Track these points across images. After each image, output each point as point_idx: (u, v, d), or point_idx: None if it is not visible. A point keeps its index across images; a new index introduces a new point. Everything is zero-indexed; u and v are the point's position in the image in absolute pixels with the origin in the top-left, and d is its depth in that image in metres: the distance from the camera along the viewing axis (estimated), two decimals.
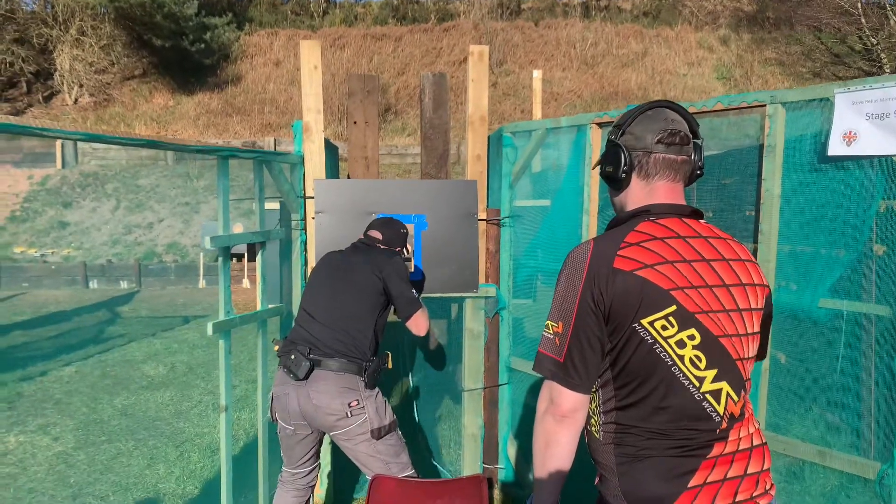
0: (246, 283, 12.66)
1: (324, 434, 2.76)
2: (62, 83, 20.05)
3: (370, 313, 2.68)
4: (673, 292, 1.38)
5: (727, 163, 3.31)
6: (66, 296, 11.45)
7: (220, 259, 2.98)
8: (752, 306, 1.47)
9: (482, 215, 3.59)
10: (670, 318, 1.37)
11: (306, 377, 2.53)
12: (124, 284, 12.41)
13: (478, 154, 3.63)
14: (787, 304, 2.50)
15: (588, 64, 22.15)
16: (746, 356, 1.46)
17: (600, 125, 3.12)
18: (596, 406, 1.48)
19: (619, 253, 1.40)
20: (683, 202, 1.54)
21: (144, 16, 19.24)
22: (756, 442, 1.48)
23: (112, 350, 7.24)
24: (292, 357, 2.55)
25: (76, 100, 19.99)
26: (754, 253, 2.59)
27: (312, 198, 3.52)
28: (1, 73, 19.60)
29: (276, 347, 2.74)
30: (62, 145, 15.84)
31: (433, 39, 23.40)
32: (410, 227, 3.54)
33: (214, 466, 4.05)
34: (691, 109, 2.74)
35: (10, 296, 11.41)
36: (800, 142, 2.45)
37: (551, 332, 1.44)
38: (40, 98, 20.12)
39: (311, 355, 2.55)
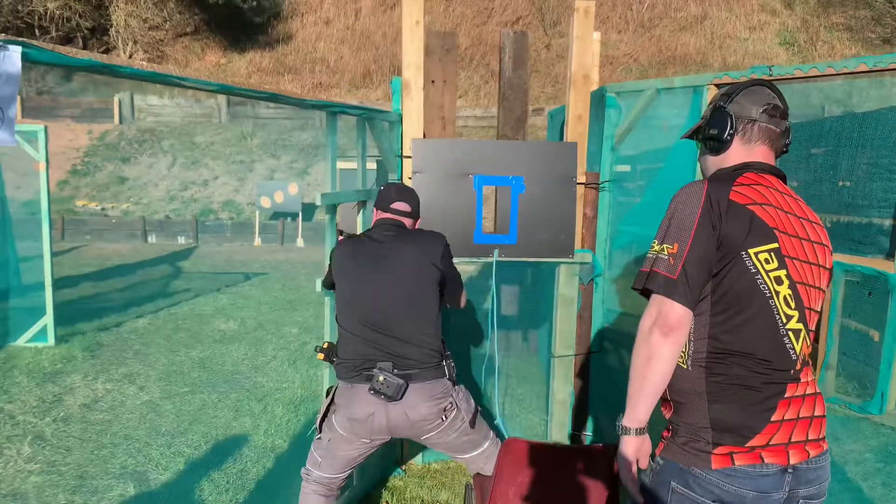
0: (300, 241, 12.77)
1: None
2: (117, 39, 20.25)
3: (435, 307, 2.48)
4: (776, 231, 1.52)
5: (813, 132, 3.15)
6: (128, 249, 11.71)
7: (328, 216, 2.97)
8: (824, 265, 1.62)
9: (581, 179, 3.49)
10: (772, 254, 1.51)
11: (402, 397, 2.34)
12: (182, 240, 12.63)
13: (579, 115, 3.52)
14: None
15: (645, 27, 21.49)
16: (815, 308, 1.59)
17: (718, 87, 2.98)
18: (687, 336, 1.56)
19: (734, 188, 1.55)
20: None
21: None
22: (817, 390, 1.61)
23: (181, 304, 7.38)
24: (381, 379, 2.31)
25: (131, 56, 20.16)
26: None
27: (410, 157, 3.46)
28: (59, 28, 19.85)
29: (321, 356, 2.56)
30: (119, 101, 16.06)
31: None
32: (507, 190, 3.47)
33: (299, 421, 4.11)
34: (829, 71, 2.59)
35: (74, 247, 11.72)
36: None
37: (665, 253, 1.53)
38: (96, 54, 20.37)
39: (397, 371, 2.35)
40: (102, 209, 13.22)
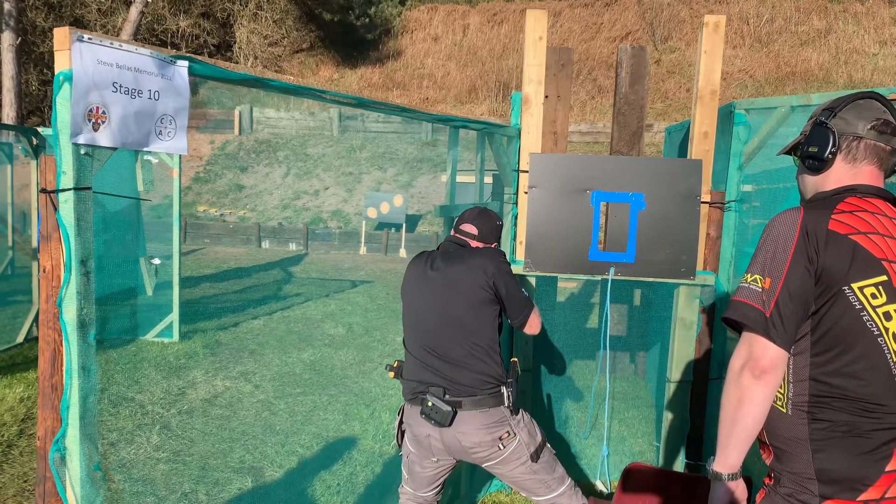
0: (403, 252, 13.03)
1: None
2: (240, 55, 21.49)
3: (489, 331, 2.37)
4: (884, 262, 1.39)
5: None
6: (243, 253, 12.34)
7: (445, 227, 3.01)
8: None
9: (706, 198, 3.37)
10: (880, 288, 1.38)
11: (451, 423, 2.31)
12: (293, 246, 13.18)
13: (705, 131, 3.40)
14: None
15: (762, 42, 20.58)
16: None
17: None
18: (785, 377, 1.45)
19: (833, 217, 1.42)
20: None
21: None
22: None
23: (292, 307, 7.69)
24: (430, 404, 2.30)
25: None
26: None
27: (527, 172, 3.46)
28: (188, 45, 21.29)
29: (392, 375, 2.57)
30: (239, 113, 17.00)
31: (593, 15, 22.71)
32: (625, 207, 3.40)
33: None
34: None
35: (194, 249, 12.47)
36: None
37: (759, 286, 1.42)
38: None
39: (448, 397, 2.31)
40: (221, 215, 14.01)
